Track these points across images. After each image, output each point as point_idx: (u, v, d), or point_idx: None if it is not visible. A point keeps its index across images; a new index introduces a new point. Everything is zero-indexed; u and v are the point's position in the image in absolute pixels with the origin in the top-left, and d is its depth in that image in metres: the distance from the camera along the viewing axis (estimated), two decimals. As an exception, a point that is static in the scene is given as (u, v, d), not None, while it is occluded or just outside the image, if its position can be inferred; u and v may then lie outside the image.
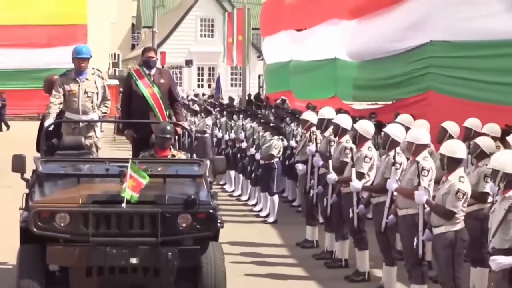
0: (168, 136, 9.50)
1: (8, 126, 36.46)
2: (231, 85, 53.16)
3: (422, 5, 17.06)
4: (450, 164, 8.08)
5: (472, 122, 11.52)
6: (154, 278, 7.96)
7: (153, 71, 11.04)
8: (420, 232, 8.40)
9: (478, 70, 15.15)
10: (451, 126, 11.09)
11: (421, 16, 16.90)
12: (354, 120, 11.38)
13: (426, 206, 8.36)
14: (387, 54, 18.55)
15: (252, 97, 32.00)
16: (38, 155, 9.51)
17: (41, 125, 10.74)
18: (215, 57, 51.70)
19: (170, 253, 7.83)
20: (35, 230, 7.84)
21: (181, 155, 9.78)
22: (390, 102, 21.78)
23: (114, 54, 55.14)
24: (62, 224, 7.83)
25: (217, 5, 54.63)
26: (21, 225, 8.20)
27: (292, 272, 10.98)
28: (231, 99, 28.90)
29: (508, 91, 14.16)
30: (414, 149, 8.81)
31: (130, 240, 7.87)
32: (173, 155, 9.59)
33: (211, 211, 8.03)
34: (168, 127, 9.60)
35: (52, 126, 10.22)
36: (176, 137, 10.76)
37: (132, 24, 68.29)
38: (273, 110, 20.71)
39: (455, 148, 8.11)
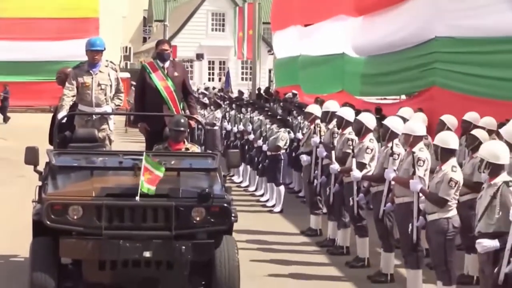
0: (182, 129, 9.45)
1: (7, 119, 36.35)
2: (242, 79, 53.59)
3: (426, 2, 17.49)
4: (443, 154, 8.52)
5: (471, 116, 12.02)
6: (167, 272, 7.90)
7: (167, 64, 10.95)
8: (414, 218, 8.88)
9: (481, 65, 15.55)
10: (449, 119, 11.62)
11: (425, 12, 17.31)
12: (357, 113, 11.83)
13: (421, 194, 8.84)
14: (392, 50, 18.99)
15: (261, 91, 32.43)
16: (50, 147, 9.51)
17: (54, 117, 10.71)
18: (226, 51, 52.11)
19: (183, 247, 7.78)
20: (48, 222, 7.79)
21: (195, 148, 9.74)
22: (399, 99, 22.25)
23: (126, 47, 55.58)
24: (75, 217, 7.79)
25: (228, -1, 55.12)
26: (34, 218, 8.15)
27: (296, 258, 11.43)
28: (240, 93, 29.38)
29: (510, 86, 14.61)
30: (411, 141, 9.29)
31: (143, 233, 7.81)
32: (187, 148, 9.54)
33: (225, 205, 7.96)
34: (182, 120, 9.55)
35: (65, 118, 10.16)
36: (189, 130, 10.55)
37: (144, 18, 68.75)
38: (281, 103, 21.15)
39: (448, 139, 8.57)
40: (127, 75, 39.93)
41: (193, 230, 7.92)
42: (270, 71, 48.16)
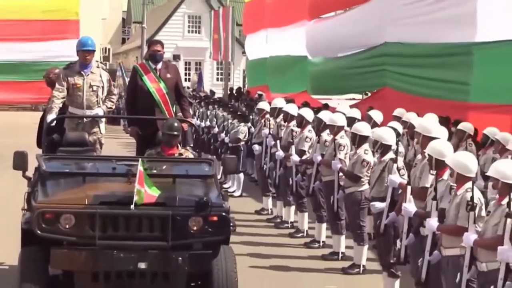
0: (175, 133, 9.04)
1: None
2: (217, 79, 55.39)
3: (377, 9, 19.57)
4: (359, 140, 10.62)
5: (399, 111, 14.22)
6: (163, 284, 7.63)
7: (159, 66, 10.61)
8: (335, 192, 11.02)
9: (424, 68, 17.65)
10: (376, 115, 13.73)
11: (376, 19, 19.38)
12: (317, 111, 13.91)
13: (341, 173, 10.99)
14: (345, 52, 21.09)
15: (234, 91, 34.39)
16: (36, 148, 9.42)
17: (42, 120, 10.35)
18: (201, 52, 53.91)
19: (180, 258, 7.51)
20: (38, 232, 7.44)
21: (189, 154, 9.36)
22: (360, 99, 24.32)
23: (105, 48, 57.26)
24: (67, 226, 7.44)
25: (204, 2, 56.90)
26: (24, 227, 7.78)
27: (249, 231, 13.42)
28: (212, 92, 31.37)
29: (448, 87, 16.69)
30: (335, 130, 11.41)
31: (138, 243, 7.50)
32: (181, 153, 9.15)
33: (223, 213, 7.65)
34: (176, 124, 9.13)
35: (55, 121, 9.83)
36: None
37: (123, 19, 70.24)
38: (245, 102, 23.20)
39: (361, 128, 10.66)
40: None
41: (190, 240, 7.63)
42: (244, 71, 50.01)
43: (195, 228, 7.58)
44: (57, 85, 10.28)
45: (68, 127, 10.15)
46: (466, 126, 12.78)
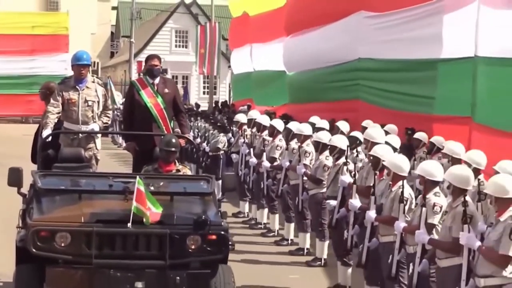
0: (173, 149, 8.96)
1: None
2: (203, 93, 56.68)
3: (351, 27, 20.81)
4: (321, 147, 11.92)
5: (366, 122, 15.48)
6: None
7: (157, 80, 10.58)
8: (299, 193, 12.32)
9: (393, 82, 18.89)
10: (343, 125, 15.02)
11: (349, 36, 20.63)
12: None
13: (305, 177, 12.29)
14: (319, 66, 22.33)
15: (219, 104, 35.68)
16: (30, 163, 9.58)
17: (36, 135, 10.37)
18: (188, 66, 55.15)
19: (178, 277, 7.44)
20: (33, 250, 7.37)
21: (187, 170, 9.32)
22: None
23: (94, 62, 58.50)
24: (62, 244, 7.38)
25: (191, 18, 58.25)
26: (18, 244, 7.68)
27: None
28: (197, 105, 32.67)
29: (414, 100, 17.92)
30: (302, 139, 12.72)
31: (135, 262, 7.45)
32: (178, 170, 9.10)
33: (222, 232, 7.61)
34: (174, 140, 9.06)
35: (50, 137, 9.74)
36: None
37: (112, 33, 71.44)
38: (227, 114, 24.49)
39: (323, 136, 11.96)
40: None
41: (188, 259, 7.60)
42: (230, 85, 51.33)
43: (193, 247, 7.56)
44: (52, 100, 10.24)
45: (63, 142, 10.10)
46: (421, 135, 14.09)
